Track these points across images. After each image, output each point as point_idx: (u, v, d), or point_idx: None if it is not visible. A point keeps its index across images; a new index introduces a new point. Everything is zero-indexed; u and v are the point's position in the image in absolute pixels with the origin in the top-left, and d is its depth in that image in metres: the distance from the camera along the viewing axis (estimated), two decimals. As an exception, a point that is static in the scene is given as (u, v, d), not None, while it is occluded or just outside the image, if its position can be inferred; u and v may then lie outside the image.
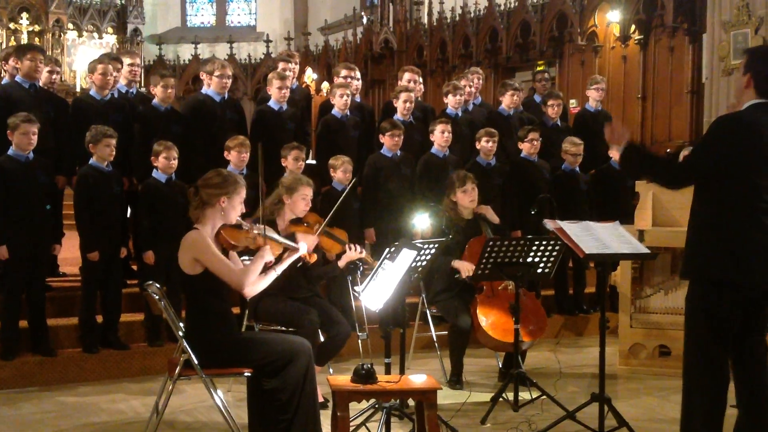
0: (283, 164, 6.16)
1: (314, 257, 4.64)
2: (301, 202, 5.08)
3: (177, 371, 4.00)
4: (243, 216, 4.17)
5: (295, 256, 4.38)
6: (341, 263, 5.09)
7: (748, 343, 3.76)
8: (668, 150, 9.79)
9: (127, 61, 7.26)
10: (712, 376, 3.70)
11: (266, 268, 4.16)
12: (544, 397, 4.97)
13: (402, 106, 7.33)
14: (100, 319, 5.90)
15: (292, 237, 4.71)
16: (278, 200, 5.11)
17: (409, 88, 7.50)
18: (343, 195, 5.32)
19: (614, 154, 7.41)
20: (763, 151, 3.61)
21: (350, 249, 5.08)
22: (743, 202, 3.62)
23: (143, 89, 7.33)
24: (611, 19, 11.14)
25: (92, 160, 5.75)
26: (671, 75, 10.64)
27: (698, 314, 3.73)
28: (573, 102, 11.09)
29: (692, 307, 3.78)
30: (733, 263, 3.61)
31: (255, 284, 4.15)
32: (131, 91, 7.20)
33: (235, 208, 4.08)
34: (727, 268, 3.62)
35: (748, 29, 8.66)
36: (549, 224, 4.45)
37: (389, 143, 6.85)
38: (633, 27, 10.94)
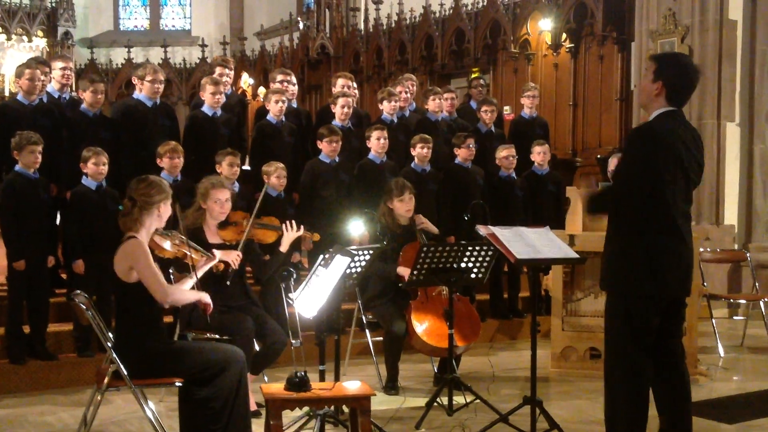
0: (218, 170, 6.09)
1: (222, 266, 4.65)
2: (215, 206, 4.99)
3: (105, 382, 3.94)
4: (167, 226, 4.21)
5: (210, 265, 4.44)
6: (282, 247, 5.09)
7: (666, 348, 3.88)
8: (598, 156, 10.01)
9: (59, 65, 7.11)
10: (634, 381, 3.81)
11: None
12: (478, 401, 5.02)
13: (340, 111, 7.32)
14: (27, 329, 5.74)
15: (219, 246, 4.79)
16: (199, 207, 5.06)
17: (346, 93, 7.50)
18: (263, 194, 5.27)
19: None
20: (676, 158, 3.69)
21: (287, 230, 5.08)
22: (659, 213, 3.71)
23: (75, 93, 7.20)
24: (543, 28, 11.33)
25: (18, 167, 5.61)
26: (601, 83, 10.87)
27: (617, 322, 3.85)
28: (507, 109, 11.24)
29: (611, 315, 3.90)
30: (649, 275, 3.71)
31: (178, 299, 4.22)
32: (64, 96, 7.04)
33: (168, 212, 4.11)
34: (643, 280, 3.72)
35: (675, 38, 8.91)
36: (481, 230, 4.50)
37: (327, 149, 6.82)
38: (564, 35, 11.15)
